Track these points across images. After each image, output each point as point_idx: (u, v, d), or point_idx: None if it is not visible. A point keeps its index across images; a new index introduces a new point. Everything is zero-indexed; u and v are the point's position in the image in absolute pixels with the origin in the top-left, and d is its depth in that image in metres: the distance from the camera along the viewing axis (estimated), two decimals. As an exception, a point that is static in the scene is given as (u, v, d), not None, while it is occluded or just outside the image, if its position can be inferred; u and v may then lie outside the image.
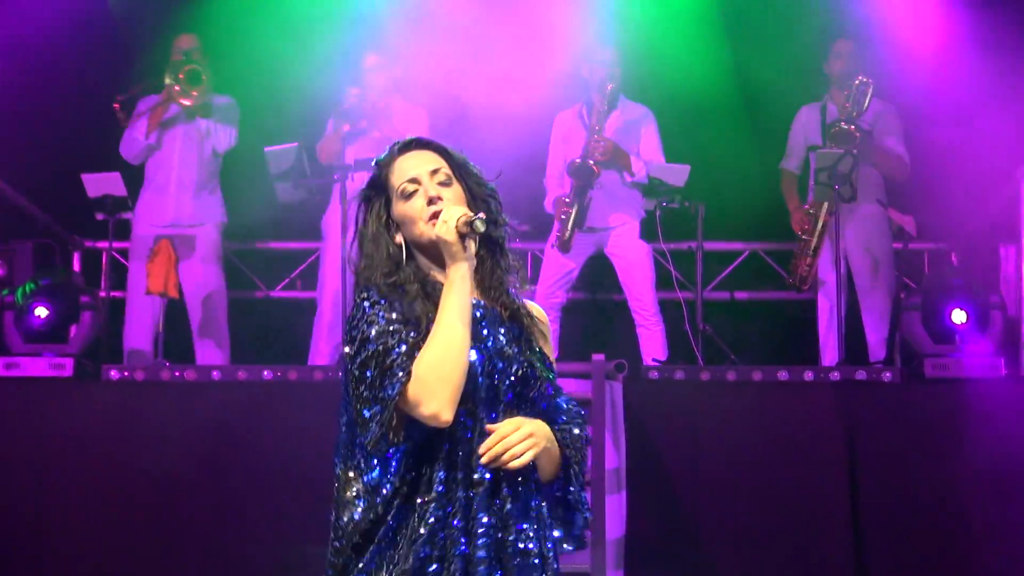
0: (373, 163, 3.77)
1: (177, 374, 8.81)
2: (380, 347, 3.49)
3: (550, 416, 3.71)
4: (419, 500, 3.55)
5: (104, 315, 9.36)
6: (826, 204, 9.20)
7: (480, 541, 3.54)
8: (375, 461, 3.58)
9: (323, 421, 7.84)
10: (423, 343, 3.52)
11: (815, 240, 9.33)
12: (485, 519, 3.55)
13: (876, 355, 9.15)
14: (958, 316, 8.67)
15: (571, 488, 3.74)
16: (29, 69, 10.07)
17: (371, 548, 3.56)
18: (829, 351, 9.25)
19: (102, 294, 9.86)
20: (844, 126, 9.16)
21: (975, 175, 9.50)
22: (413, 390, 3.47)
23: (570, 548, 3.78)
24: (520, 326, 3.75)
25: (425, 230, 3.67)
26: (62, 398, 8.56)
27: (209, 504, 8.26)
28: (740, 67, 10.03)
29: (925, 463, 8.15)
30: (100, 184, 9.46)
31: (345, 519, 3.59)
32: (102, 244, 10.17)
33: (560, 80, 9.74)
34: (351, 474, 3.62)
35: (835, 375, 8.63)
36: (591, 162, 9.14)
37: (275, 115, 9.91)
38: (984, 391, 8.26)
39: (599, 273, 9.60)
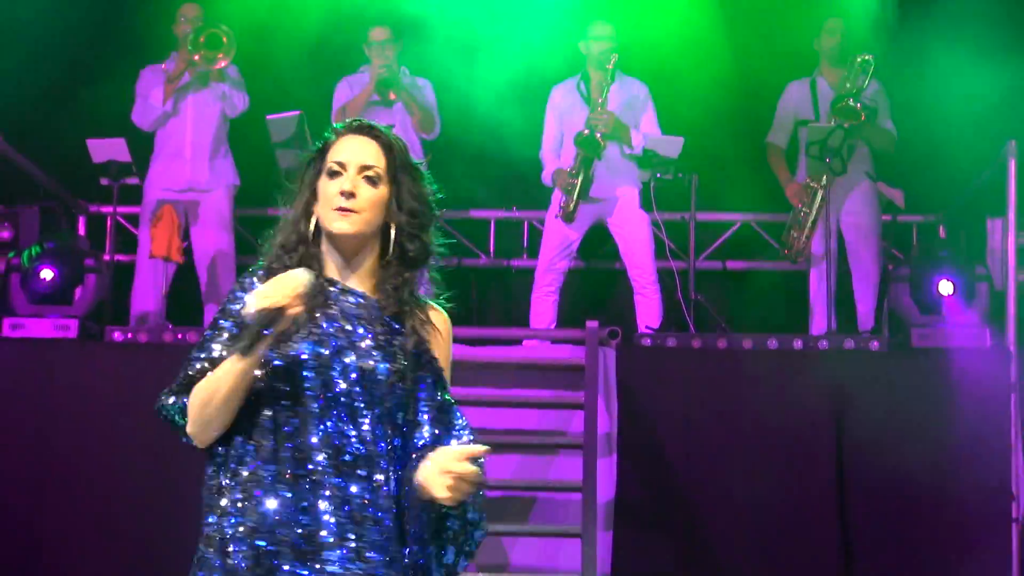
0: (329, 131, 3.65)
1: (180, 336, 8.79)
2: (199, 353, 3.59)
3: (435, 428, 3.61)
4: (243, 474, 3.51)
5: (108, 278, 9.38)
6: (825, 177, 9.19)
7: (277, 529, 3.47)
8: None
9: None
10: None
11: (813, 213, 9.34)
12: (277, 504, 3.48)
13: (865, 324, 9.20)
14: (945, 287, 8.68)
15: (469, 514, 3.60)
16: (35, 37, 9.99)
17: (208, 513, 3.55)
18: (819, 320, 9.22)
19: (106, 257, 9.82)
20: (852, 103, 9.17)
21: (963, 149, 9.43)
22: (187, 414, 3.55)
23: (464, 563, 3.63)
24: (401, 327, 3.63)
25: (327, 218, 3.59)
26: (66, 359, 8.59)
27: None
28: (732, 42, 9.97)
29: (910, 430, 8.16)
30: (105, 149, 9.47)
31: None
32: (107, 208, 10.17)
33: (556, 52, 9.75)
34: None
35: (823, 344, 8.67)
36: (597, 134, 9.13)
37: (275, 79, 9.87)
38: (969, 361, 8.29)
39: (596, 242, 9.61)
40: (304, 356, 3.50)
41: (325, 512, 3.44)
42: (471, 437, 3.62)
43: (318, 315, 3.53)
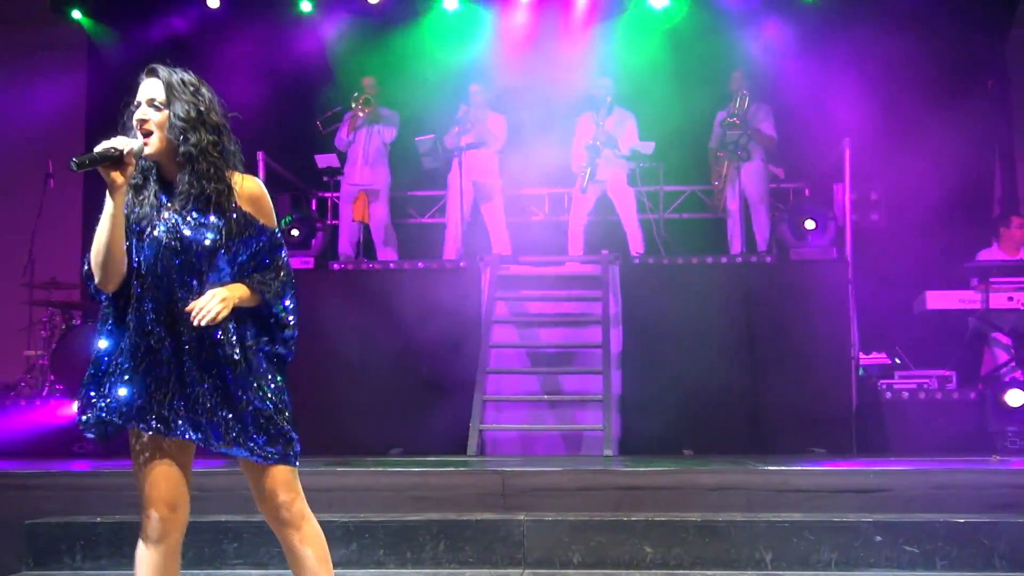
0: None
1: (367, 265, 8.76)
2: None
3: (249, 271, 2.99)
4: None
5: (328, 234, 9.36)
6: (730, 163, 9.09)
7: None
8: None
9: (449, 292, 8.23)
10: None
11: (722, 184, 9.25)
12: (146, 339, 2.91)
13: (762, 248, 9.07)
14: (809, 224, 8.58)
15: (273, 309, 3.00)
16: (281, 89, 10.04)
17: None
18: (735, 246, 9.07)
19: (328, 222, 9.81)
20: (730, 119, 9.03)
21: (819, 139, 9.21)
22: (89, 271, 2.93)
23: (282, 350, 3.02)
24: (208, 200, 2.93)
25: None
26: (306, 282, 8.37)
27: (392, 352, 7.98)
28: (682, 82, 9.62)
29: (790, 310, 8.06)
30: (324, 160, 9.46)
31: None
32: (326, 194, 10.12)
33: (578, 93, 9.53)
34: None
35: (739, 259, 8.59)
36: (598, 143, 8.98)
37: (419, 117, 9.60)
38: (823, 267, 8.29)
39: (603, 205, 9.31)
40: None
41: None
42: (276, 269, 3.02)
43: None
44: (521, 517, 4.65)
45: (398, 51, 10.05)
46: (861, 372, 8.09)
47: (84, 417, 2.92)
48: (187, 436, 2.91)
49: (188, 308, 2.88)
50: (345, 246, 9.42)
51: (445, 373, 7.93)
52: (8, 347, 9.31)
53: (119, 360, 2.93)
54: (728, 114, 9.10)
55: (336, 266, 8.85)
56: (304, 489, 3.07)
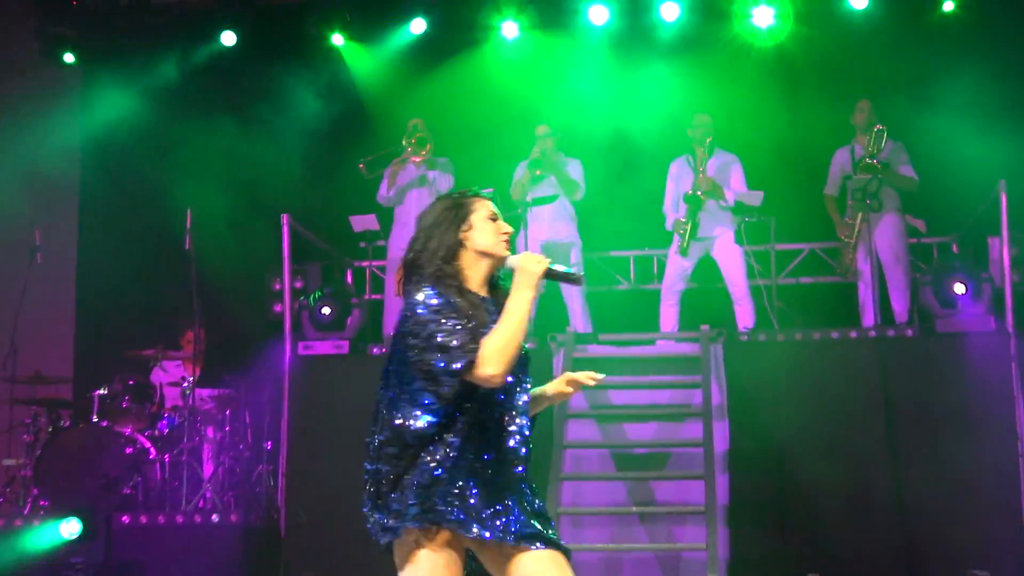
0: (477, 190, 3.67)
1: None
2: (444, 329, 3.40)
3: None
4: (449, 438, 3.45)
5: (366, 311, 9.35)
6: (860, 215, 9.11)
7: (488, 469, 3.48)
8: (428, 411, 3.45)
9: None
10: (475, 329, 3.42)
11: (853, 241, 9.23)
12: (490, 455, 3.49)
13: (901, 319, 9.03)
14: (959, 288, 8.58)
15: None
16: (309, 139, 10.30)
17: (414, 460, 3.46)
18: (867, 317, 9.03)
19: (366, 297, 9.93)
20: (869, 160, 9.04)
21: (967, 182, 9.25)
22: (483, 358, 3.37)
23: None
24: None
25: (496, 245, 3.60)
26: (341, 368, 8.67)
27: None
28: (792, 121, 9.89)
29: (939, 394, 8.06)
30: (362, 222, 9.60)
31: (393, 448, 3.48)
32: (364, 263, 10.32)
33: (669, 134, 9.63)
34: (403, 421, 3.47)
35: (872, 333, 8.57)
36: (700, 193, 9.04)
37: (475, 166, 9.77)
38: (979, 341, 8.23)
39: (704, 269, 9.38)
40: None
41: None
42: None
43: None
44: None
45: (448, 89, 10.27)
46: (1033, 474, 8.01)
47: (487, 534, 3.43)
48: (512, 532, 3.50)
49: (587, 378, 3.77)
50: (389, 326, 9.45)
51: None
52: (-18, 455, 9.40)
53: (459, 465, 3.47)
54: (865, 152, 9.14)
55: (377, 350, 8.89)
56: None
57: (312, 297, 9.12)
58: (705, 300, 9.48)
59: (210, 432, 8.75)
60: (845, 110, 9.45)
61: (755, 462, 8.04)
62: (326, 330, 9.00)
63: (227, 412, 8.79)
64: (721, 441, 7.96)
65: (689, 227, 9.10)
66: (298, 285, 9.41)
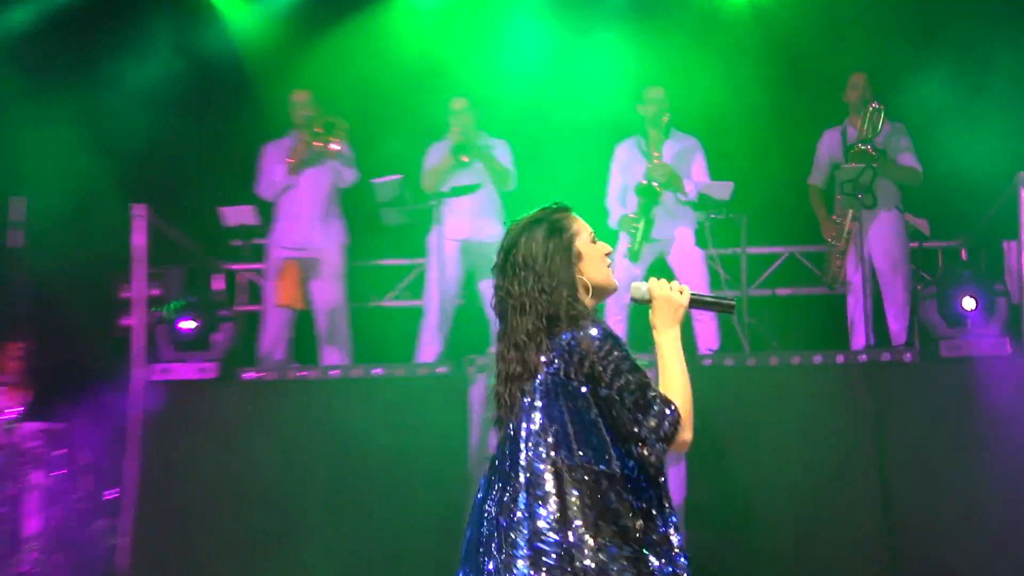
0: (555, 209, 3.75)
1: (302, 374, 8.83)
2: (643, 380, 3.55)
3: None
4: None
5: (239, 326, 9.31)
6: (850, 212, 9.17)
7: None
8: (640, 482, 3.56)
9: (426, 412, 8.30)
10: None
11: (842, 244, 9.34)
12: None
13: (898, 340, 9.10)
14: (968, 303, 8.58)
15: None
16: (173, 123, 10.27)
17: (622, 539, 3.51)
18: (858, 338, 9.12)
19: (239, 309, 9.95)
20: (862, 147, 9.10)
21: (980, 180, 9.31)
22: (683, 421, 3.58)
23: None
24: None
25: (608, 277, 3.77)
26: (207, 397, 8.62)
27: (327, 490, 8.26)
28: (770, 97, 9.97)
29: (943, 432, 8.09)
30: (236, 215, 9.61)
31: (581, 520, 3.49)
32: (237, 266, 10.32)
33: (616, 115, 9.69)
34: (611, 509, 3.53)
35: (863, 357, 8.55)
36: (654, 183, 9.06)
37: (375, 149, 9.84)
38: (993, 368, 8.21)
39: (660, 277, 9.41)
40: None
41: None
42: None
43: None
44: None
45: (345, 52, 10.32)
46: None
47: None
48: None
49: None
50: (269, 343, 9.49)
51: (414, 540, 8.05)
52: None
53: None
54: (858, 136, 9.26)
55: (249, 375, 8.90)
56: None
57: (170, 308, 9.04)
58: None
59: (36, 477, 8.59)
60: (836, 86, 9.55)
61: (718, 517, 8.05)
62: (188, 349, 8.93)
63: (59, 451, 8.70)
64: (678, 491, 7.93)
65: (641, 225, 9.11)
66: (155, 293, 9.34)
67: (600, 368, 3.53)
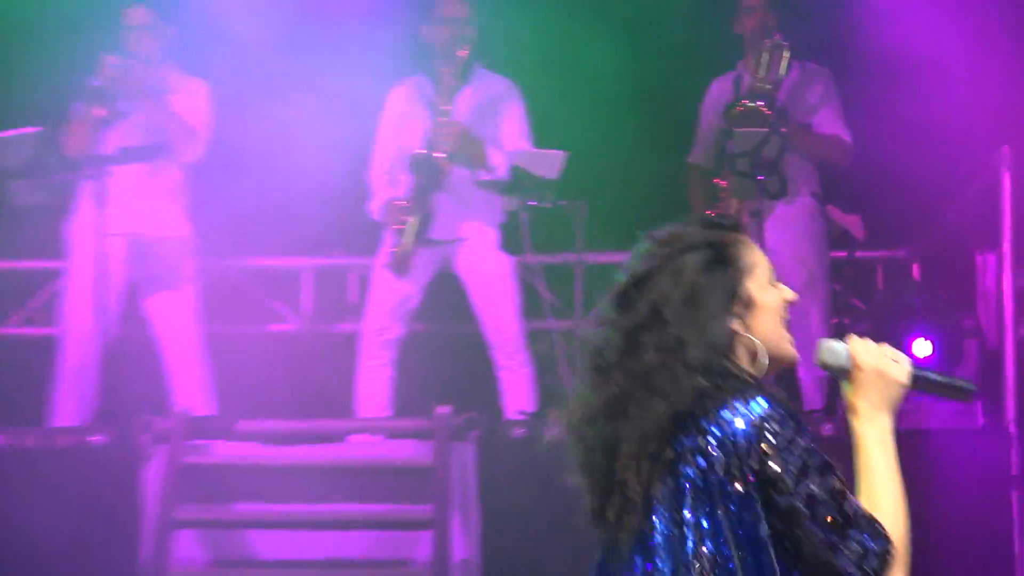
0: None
1: None
2: (839, 486, 3.46)
3: None
4: None
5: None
6: (742, 203, 9.15)
7: None
8: None
9: (74, 495, 8.51)
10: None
11: None
12: None
13: (811, 401, 9.03)
14: (921, 348, 8.77)
15: None
16: None
17: None
18: None
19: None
20: (750, 103, 9.13)
21: (944, 162, 9.61)
22: (895, 553, 3.52)
23: None
24: None
25: (782, 339, 3.68)
26: None
27: None
28: (635, 33, 10.11)
29: None
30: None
31: None
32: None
33: (393, 45, 9.75)
34: None
35: None
36: (437, 154, 9.04)
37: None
38: (957, 447, 8.31)
39: (446, 298, 9.61)
40: None
41: None
42: None
43: None
44: None
45: None
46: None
47: None
48: None
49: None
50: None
51: None
52: None
53: None
54: (750, 88, 9.39)
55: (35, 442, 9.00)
56: None
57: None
58: (445, 358, 10.04)
59: None
60: (723, 18, 9.70)
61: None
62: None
63: None
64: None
65: (415, 219, 9.05)
66: None
67: (776, 467, 3.45)
